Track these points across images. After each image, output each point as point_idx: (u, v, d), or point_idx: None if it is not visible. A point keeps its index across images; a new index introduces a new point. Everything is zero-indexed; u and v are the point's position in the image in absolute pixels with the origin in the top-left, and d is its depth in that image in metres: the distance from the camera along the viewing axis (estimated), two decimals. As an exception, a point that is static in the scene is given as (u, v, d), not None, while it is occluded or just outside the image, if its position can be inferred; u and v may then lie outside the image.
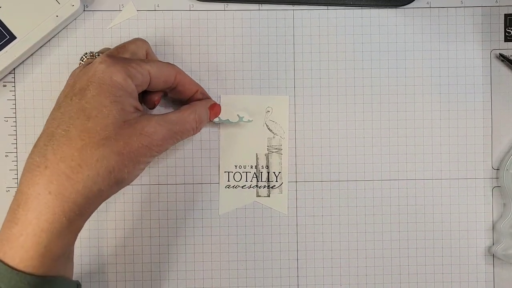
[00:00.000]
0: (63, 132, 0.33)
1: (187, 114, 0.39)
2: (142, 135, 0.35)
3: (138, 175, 0.37)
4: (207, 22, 0.45)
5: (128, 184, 0.36)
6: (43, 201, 0.32)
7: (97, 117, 0.34)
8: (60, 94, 0.37)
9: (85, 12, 0.45)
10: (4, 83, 0.44)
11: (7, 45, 0.42)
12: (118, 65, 0.35)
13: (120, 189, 0.36)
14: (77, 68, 0.37)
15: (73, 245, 0.35)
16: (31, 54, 0.44)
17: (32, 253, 0.32)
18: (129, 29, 0.45)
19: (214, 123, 0.44)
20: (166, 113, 0.38)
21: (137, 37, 0.42)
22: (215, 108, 0.43)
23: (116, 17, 0.45)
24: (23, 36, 0.42)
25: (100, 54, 0.40)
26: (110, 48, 0.42)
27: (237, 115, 0.44)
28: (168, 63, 0.40)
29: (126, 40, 0.44)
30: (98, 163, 0.33)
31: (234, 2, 0.45)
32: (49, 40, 0.44)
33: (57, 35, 0.44)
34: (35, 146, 0.34)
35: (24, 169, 0.34)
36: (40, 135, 0.35)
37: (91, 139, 0.33)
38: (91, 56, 0.41)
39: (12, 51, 0.42)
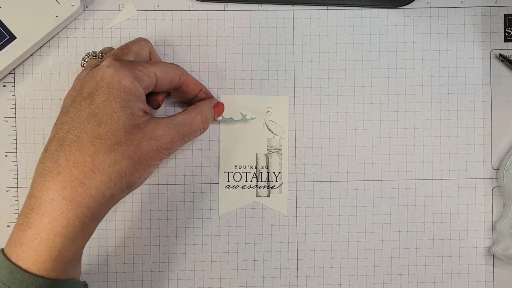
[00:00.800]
0: (74, 138, 0.34)
1: (194, 115, 0.39)
2: (151, 139, 0.35)
3: (148, 177, 0.37)
4: (207, 22, 0.45)
5: (138, 187, 0.37)
6: (57, 206, 0.32)
7: (108, 123, 0.34)
8: (66, 98, 0.37)
9: (85, 12, 0.45)
10: (4, 83, 0.44)
11: (7, 45, 0.42)
12: (125, 69, 0.35)
13: (130, 192, 0.36)
14: (83, 71, 0.37)
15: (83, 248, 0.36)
16: (31, 54, 0.44)
17: (45, 256, 0.32)
18: (129, 29, 0.45)
19: (217, 121, 0.44)
20: (173, 115, 0.39)
21: (139, 37, 0.42)
22: (218, 107, 0.43)
23: (116, 17, 0.45)
24: (23, 36, 0.42)
25: (104, 55, 0.40)
26: (112, 48, 0.42)
27: (240, 113, 0.44)
28: (172, 63, 0.40)
29: (126, 40, 0.44)
30: (110, 168, 0.33)
31: (234, 2, 0.45)
32: (49, 40, 0.44)
33: (57, 35, 0.44)
34: (45, 151, 0.34)
35: (36, 173, 0.34)
36: (50, 139, 0.35)
37: (103, 145, 0.34)
38: (93, 56, 0.41)
39: (12, 51, 0.42)
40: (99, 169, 0.33)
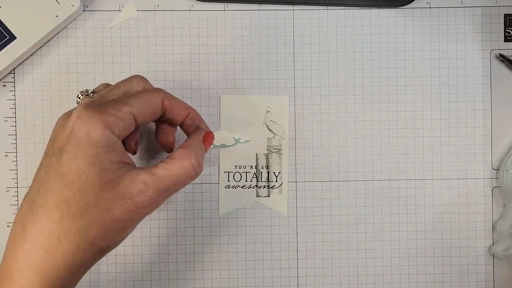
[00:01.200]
0: (41, 201, 0.31)
1: (180, 164, 0.34)
2: (125, 199, 0.32)
3: (126, 237, 0.34)
4: (207, 22, 0.45)
5: (115, 248, 0.34)
6: (25, 276, 0.31)
7: (75, 184, 0.31)
8: (47, 144, 0.34)
9: (85, 12, 0.45)
10: (4, 83, 0.44)
11: (7, 45, 0.42)
12: (93, 119, 0.32)
13: (106, 254, 0.34)
14: (61, 116, 0.34)
15: None
16: (31, 54, 0.44)
17: None
18: (129, 29, 0.45)
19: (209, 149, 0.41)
20: (155, 165, 0.34)
21: (134, 74, 0.38)
22: (208, 139, 0.38)
23: (116, 17, 0.45)
24: (23, 36, 0.42)
25: (96, 94, 0.37)
26: (108, 84, 0.39)
27: (233, 137, 0.42)
28: (153, 89, 0.36)
29: (125, 40, 0.44)
30: (77, 236, 0.31)
31: (234, 2, 0.45)
32: (49, 40, 0.44)
33: (57, 35, 0.44)
34: (18, 211, 0.32)
35: (9, 237, 0.32)
36: (24, 197, 0.33)
37: (70, 209, 0.31)
38: (86, 94, 0.38)
39: (12, 51, 0.42)
40: (66, 238, 0.31)
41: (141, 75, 0.38)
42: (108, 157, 0.32)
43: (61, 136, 0.32)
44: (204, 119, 0.39)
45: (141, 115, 0.34)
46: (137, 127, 0.35)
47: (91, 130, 0.31)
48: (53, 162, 0.32)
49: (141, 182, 0.32)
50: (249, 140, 0.42)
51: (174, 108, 0.37)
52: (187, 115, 0.38)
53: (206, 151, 0.38)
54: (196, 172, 0.35)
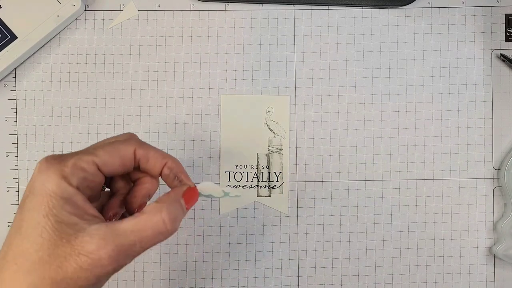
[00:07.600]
0: (3, 254, 0.30)
1: (147, 218, 0.31)
2: (80, 255, 0.29)
3: None
4: (208, 22, 0.45)
5: None
6: None
7: (31, 236, 0.29)
8: None
9: (86, 12, 0.45)
10: (5, 83, 0.44)
11: (8, 44, 0.42)
12: (51, 169, 0.30)
13: None
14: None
15: None
16: (32, 54, 0.44)
17: None
18: (130, 29, 0.45)
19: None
20: (121, 219, 0.31)
21: (126, 138, 0.34)
22: (189, 195, 0.34)
23: (117, 17, 0.45)
24: (24, 36, 0.42)
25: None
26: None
27: (222, 190, 0.36)
28: (125, 140, 0.33)
29: (126, 40, 0.44)
30: None
31: (234, 2, 0.45)
32: (50, 40, 0.44)
33: (58, 35, 0.44)
34: None
35: None
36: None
37: (24, 263, 0.29)
38: None
39: (13, 51, 0.42)
40: None
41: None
42: (64, 209, 0.29)
43: (28, 186, 0.31)
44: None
45: (108, 165, 0.32)
46: (116, 193, 0.34)
47: (47, 181, 0.30)
48: (17, 215, 0.30)
49: (100, 238, 0.29)
50: (240, 196, 0.37)
51: (148, 158, 0.34)
52: (164, 165, 0.34)
53: (188, 209, 0.34)
54: (167, 228, 0.31)
